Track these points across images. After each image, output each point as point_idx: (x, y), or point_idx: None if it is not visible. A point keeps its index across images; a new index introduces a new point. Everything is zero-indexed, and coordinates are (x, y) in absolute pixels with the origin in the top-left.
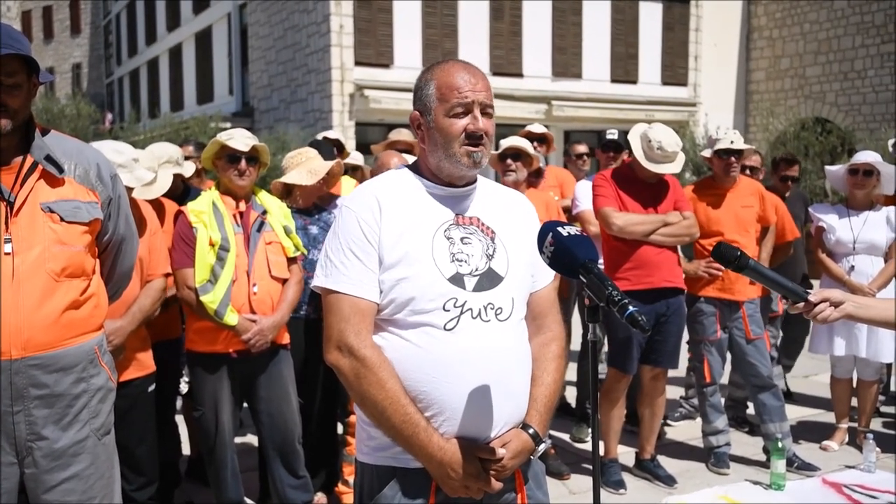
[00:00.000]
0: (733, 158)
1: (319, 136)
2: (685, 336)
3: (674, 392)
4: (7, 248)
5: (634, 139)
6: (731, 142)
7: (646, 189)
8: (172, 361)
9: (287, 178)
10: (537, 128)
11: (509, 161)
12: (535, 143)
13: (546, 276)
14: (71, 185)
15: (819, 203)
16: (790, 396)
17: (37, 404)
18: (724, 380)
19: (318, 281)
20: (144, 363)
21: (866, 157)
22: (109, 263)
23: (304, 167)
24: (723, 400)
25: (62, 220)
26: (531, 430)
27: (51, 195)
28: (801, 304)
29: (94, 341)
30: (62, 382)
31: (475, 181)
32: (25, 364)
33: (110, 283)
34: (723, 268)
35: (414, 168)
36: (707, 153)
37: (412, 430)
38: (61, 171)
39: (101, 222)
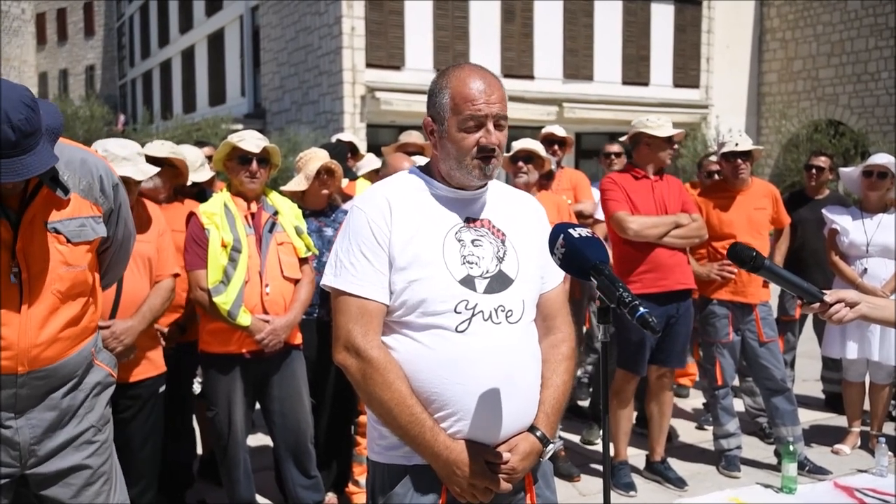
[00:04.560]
0: (740, 160)
1: (333, 139)
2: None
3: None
4: (14, 270)
5: (633, 127)
6: (736, 144)
7: (654, 189)
8: (189, 363)
9: (285, 188)
10: (559, 130)
11: (521, 163)
12: (556, 146)
13: (556, 277)
14: (75, 201)
15: (833, 205)
16: None
17: (40, 410)
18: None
19: (328, 280)
20: (156, 363)
21: (881, 158)
22: (108, 261)
23: (303, 172)
24: (746, 401)
25: (69, 241)
26: (538, 433)
27: (56, 214)
28: (817, 305)
29: (90, 343)
30: (63, 388)
31: (485, 184)
32: (30, 377)
33: (108, 274)
34: (735, 270)
35: (425, 170)
36: (713, 158)
37: (418, 430)
38: (67, 192)
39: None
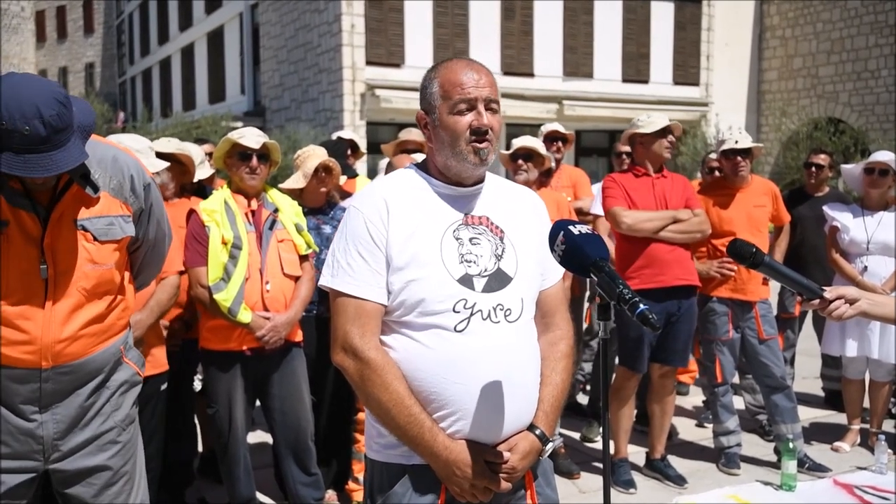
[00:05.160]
0: (739, 158)
1: (333, 136)
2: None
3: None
4: (42, 265)
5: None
6: (736, 141)
7: (654, 186)
8: (190, 360)
9: (283, 186)
10: (561, 127)
11: (520, 161)
12: (559, 143)
13: (555, 274)
14: (105, 199)
15: (834, 202)
16: None
17: (65, 406)
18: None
19: (325, 280)
20: (159, 361)
21: (883, 156)
22: (140, 260)
23: (301, 170)
24: (745, 398)
25: (95, 239)
26: (537, 431)
27: (85, 212)
28: (817, 301)
29: (119, 341)
30: (90, 385)
31: (483, 180)
32: (55, 372)
33: (141, 275)
34: (735, 267)
35: (422, 167)
36: (713, 156)
37: (417, 430)
38: (96, 190)
39: (131, 237)
